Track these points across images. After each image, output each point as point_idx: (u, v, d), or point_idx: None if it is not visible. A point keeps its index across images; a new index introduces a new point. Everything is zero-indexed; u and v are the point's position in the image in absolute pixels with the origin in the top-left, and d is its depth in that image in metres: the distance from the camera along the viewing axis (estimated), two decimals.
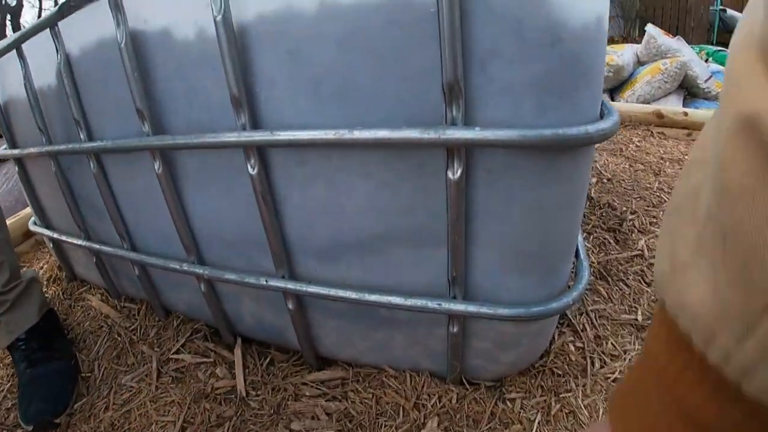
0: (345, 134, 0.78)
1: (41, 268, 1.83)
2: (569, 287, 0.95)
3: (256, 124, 0.90)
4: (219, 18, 0.81)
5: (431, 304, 0.91)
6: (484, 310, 0.89)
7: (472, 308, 0.90)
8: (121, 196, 1.25)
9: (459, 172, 0.77)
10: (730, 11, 9.74)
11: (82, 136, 1.19)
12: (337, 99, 0.82)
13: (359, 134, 0.78)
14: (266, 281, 1.03)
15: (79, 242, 1.46)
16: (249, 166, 0.91)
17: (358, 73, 0.79)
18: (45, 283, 1.74)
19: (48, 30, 1.10)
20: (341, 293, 0.97)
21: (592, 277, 1.38)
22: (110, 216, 1.28)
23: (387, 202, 0.87)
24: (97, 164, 1.20)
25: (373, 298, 0.94)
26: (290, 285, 1.01)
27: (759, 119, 0.24)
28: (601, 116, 0.80)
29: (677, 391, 0.35)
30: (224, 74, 0.85)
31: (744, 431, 0.33)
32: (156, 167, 1.05)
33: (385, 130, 0.76)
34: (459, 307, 0.90)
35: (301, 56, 0.81)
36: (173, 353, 1.31)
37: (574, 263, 1.06)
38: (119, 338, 1.40)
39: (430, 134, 0.74)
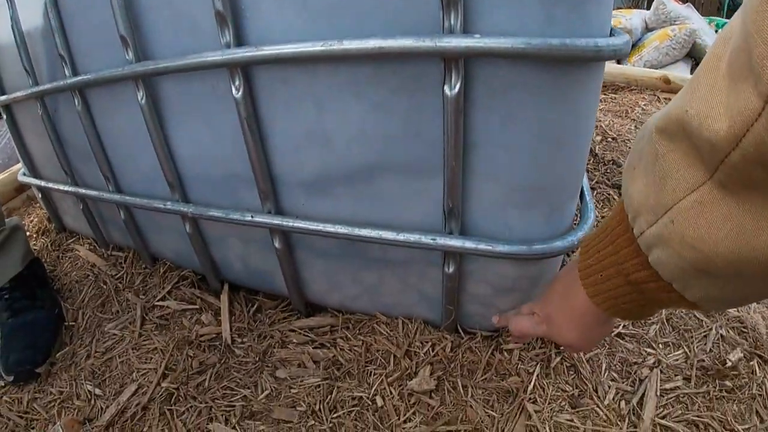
0: (333, 45, 0.72)
1: (31, 221, 1.79)
2: (574, 227, 0.89)
3: (241, 42, 0.84)
4: None
5: (425, 239, 0.85)
6: (482, 246, 0.83)
7: (469, 244, 0.84)
8: (105, 135, 1.20)
9: (457, 86, 0.71)
10: None
11: (66, 73, 1.13)
12: (328, 11, 0.76)
13: (348, 44, 0.71)
14: (252, 217, 0.98)
15: (66, 188, 1.41)
16: (233, 88, 0.86)
17: None
18: (34, 235, 1.70)
19: None
20: (330, 228, 0.91)
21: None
22: (95, 156, 1.22)
23: (379, 125, 0.81)
24: (81, 101, 1.15)
25: (364, 232, 0.89)
26: (276, 220, 0.96)
27: None
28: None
29: (621, 256, 0.55)
30: None
31: (652, 287, 0.53)
32: (139, 97, 1.00)
33: (376, 39, 0.70)
34: (455, 242, 0.84)
35: None
36: (158, 300, 1.27)
37: (578, 204, 1.00)
38: (105, 286, 1.36)
39: (425, 42, 0.67)
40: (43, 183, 1.53)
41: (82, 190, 1.36)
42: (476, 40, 0.66)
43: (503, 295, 0.95)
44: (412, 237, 0.86)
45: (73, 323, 1.28)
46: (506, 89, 0.72)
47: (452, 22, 0.68)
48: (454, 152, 0.76)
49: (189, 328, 1.17)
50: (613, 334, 1.03)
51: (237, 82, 0.85)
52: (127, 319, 1.24)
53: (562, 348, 1.00)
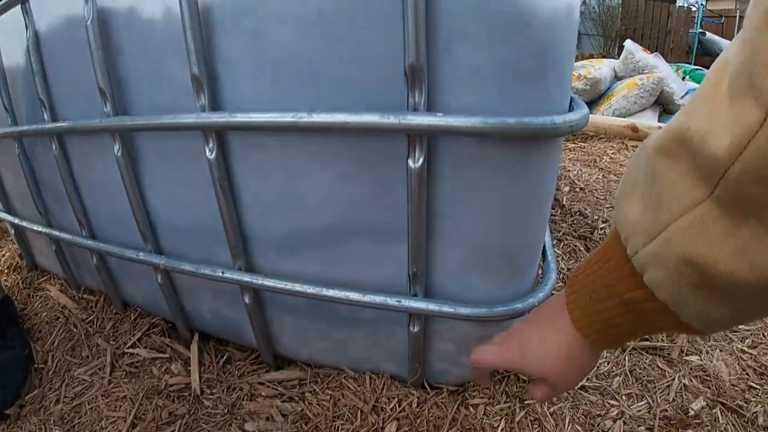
0: (303, 117, 0.75)
1: (3, 255, 1.78)
2: (537, 287, 0.91)
3: (216, 107, 0.86)
4: None
5: (390, 300, 0.87)
6: (445, 309, 0.85)
7: (432, 306, 0.86)
8: (81, 181, 1.21)
9: (420, 160, 0.74)
10: (709, 35, 9.90)
11: (45, 117, 1.15)
12: (299, 83, 0.78)
13: (317, 117, 0.74)
14: (222, 273, 0.99)
15: (40, 228, 1.41)
16: (207, 150, 0.88)
17: (321, 55, 0.75)
18: (5, 271, 1.69)
19: (19, 6, 1.06)
20: (298, 287, 0.93)
21: (561, 283, 1.36)
22: (70, 201, 1.23)
23: (346, 192, 0.84)
24: (59, 146, 1.16)
25: (331, 293, 0.90)
26: (246, 277, 0.97)
27: None
28: (571, 109, 0.78)
29: (614, 278, 0.54)
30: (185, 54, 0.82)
31: (647, 308, 0.51)
32: (115, 150, 1.01)
33: (343, 114, 0.73)
34: (419, 304, 0.86)
35: (265, 37, 0.78)
36: (128, 347, 1.27)
37: (541, 265, 1.03)
38: (75, 330, 1.36)
39: (390, 119, 0.70)
40: (17, 220, 1.52)
41: (56, 233, 1.36)
42: (438, 118, 0.69)
43: (468, 353, 0.97)
44: (378, 298, 0.88)
45: (43, 365, 1.27)
46: (468, 163, 0.75)
47: (417, 99, 0.71)
48: (418, 221, 0.79)
49: (159, 377, 1.17)
50: (576, 388, 1.05)
51: (211, 145, 0.87)
52: (97, 365, 1.24)
53: (526, 402, 1.01)
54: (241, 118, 0.80)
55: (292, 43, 0.77)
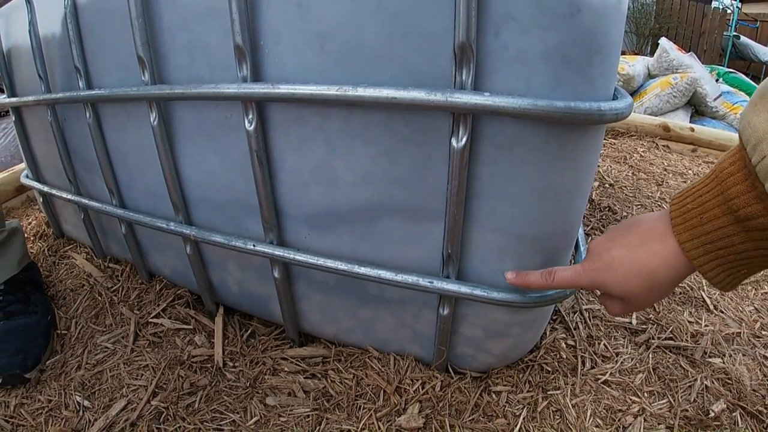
0: (348, 91, 0.74)
1: (30, 223, 1.80)
2: None
3: (258, 78, 0.86)
4: None
5: (423, 281, 0.87)
6: (477, 292, 0.85)
7: (465, 289, 0.86)
8: (114, 150, 1.21)
9: (464, 140, 0.73)
10: (743, 38, 9.76)
11: (80, 85, 1.15)
12: (344, 57, 0.78)
13: (363, 92, 0.74)
14: (254, 246, 1.00)
15: (69, 197, 1.42)
16: (246, 121, 0.88)
17: (368, 30, 0.75)
18: (32, 238, 1.71)
19: None
20: (330, 264, 0.93)
21: None
22: (101, 170, 1.24)
23: (385, 170, 0.84)
24: (93, 114, 1.17)
25: (363, 270, 0.90)
26: (278, 251, 0.97)
27: None
28: (615, 98, 0.77)
29: (731, 193, 0.55)
30: (230, 24, 0.81)
31: (763, 223, 0.53)
32: (152, 119, 1.02)
33: (389, 89, 0.72)
34: (452, 286, 0.86)
35: (310, 9, 0.78)
36: (153, 317, 1.28)
37: (573, 254, 1.02)
38: (100, 298, 1.37)
39: (437, 96, 0.70)
40: (45, 188, 1.54)
41: (85, 201, 1.37)
42: (485, 98, 0.68)
43: (495, 339, 0.97)
44: (410, 278, 0.88)
45: (66, 332, 1.28)
46: (511, 145, 0.74)
47: (464, 78, 0.70)
48: (456, 202, 0.79)
49: (182, 348, 1.18)
50: (599, 381, 1.04)
51: (250, 116, 0.87)
52: (120, 333, 1.25)
53: (549, 392, 1.01)
54: (284, 89, 0.80)
55: (337, 16, 0.76)
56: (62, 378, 1.15)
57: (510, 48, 0.69)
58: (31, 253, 1.61)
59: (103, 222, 1.45)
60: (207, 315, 1.28)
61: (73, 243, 1.67)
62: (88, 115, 1.17)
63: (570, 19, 0.66)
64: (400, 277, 0.88)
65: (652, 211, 1.72)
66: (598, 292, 1.21)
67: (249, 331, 1.22)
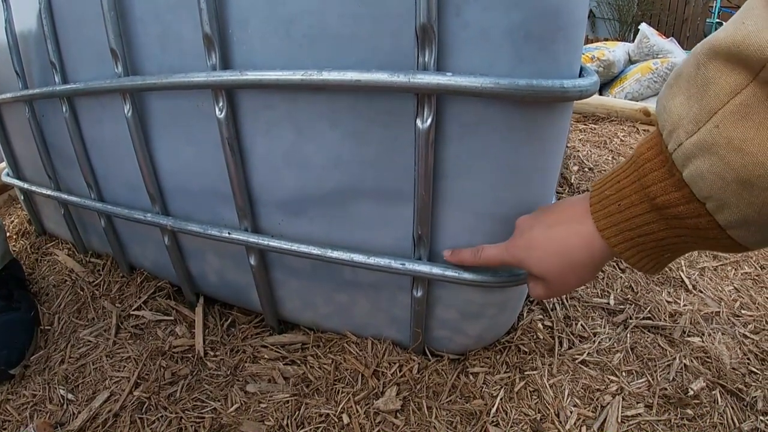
0: (313, 75, 0.75)
1: (12, 222, 1.80)
2: None
3: (227, 66, 0.86)
4: None
5: (395, 263, 0.88)
6: (449, 273, 0.86)
7: (436, 270, 0.86)
8: (91, 144, 1.22)
9: (429, 120, 0.74)
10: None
11: (56, 80, 1.15)
12: (310, 41, 0.78)
13: (327, 75, 0.74)
14: (229, 233, 1.00)
15: (49, 192, 1.42)
16: (217, 109, 0.88)
17: (332, 13, 0.75)
18: (14, 237, 1.71)
19: None
20: (303, 248, 0.93)
21: None
22: (79, 164, 1.24)
23: (354, 152, 0.84)
24: (69, 108, 1.17)
25: (336, 254, 0.91)
26: (252, 238, 0.98)
27: None
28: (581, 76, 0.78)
29: (648, 180, 0.54)
30: (198, 14, 0.82)
31: (681, 212, 0.52)
32: (126, 110, 1.02)
33: (353, 72, 0.73)
34: (423, 268, 0.87)
35: None
36: (134, 309, 1.28)
37: None
38: (82, 293, 1.37)
39: (399, 77, 0.70)
40: (26, 185, 1.54)
41: (65, 196, 1.37)
42: (448, 78, 0.69)
43: (470, 321, 0.98)
44: (382, 261, 0.89)
45: (49, 327, 1.28)
46: (476, 124, 0.75)
47: (426, 58, 0.71)
48: (424, 183, 0.79)
49: (163, 339, 1.18)
50: (577, 362, 1.06)
51: (221, 104, 0.88)
52: (102, 326, 1.25)
53: (526, 373, 1.02)
54: (251, 76, 0.80)
55: (301, 0, 0.77)
56: (46, 373, 1.15)
57: (472, 27, 0.69)
58: (14, 251, 1.61)
59: (83, 217, 1.45)
60: (187, 306, 1.28)
61: (55, 240, 1.67)
62: (64, 110, 1.17)
63: None
64: (372, 260, 0.89)
65: None
66: None
67: (229, 321, 1.22)
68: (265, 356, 1.11)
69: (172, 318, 1.25)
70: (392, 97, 0.77)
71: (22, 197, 1.67)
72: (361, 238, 0.92)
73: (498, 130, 0.75)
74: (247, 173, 0.95)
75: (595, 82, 0.75)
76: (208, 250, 1.15)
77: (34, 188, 1.50)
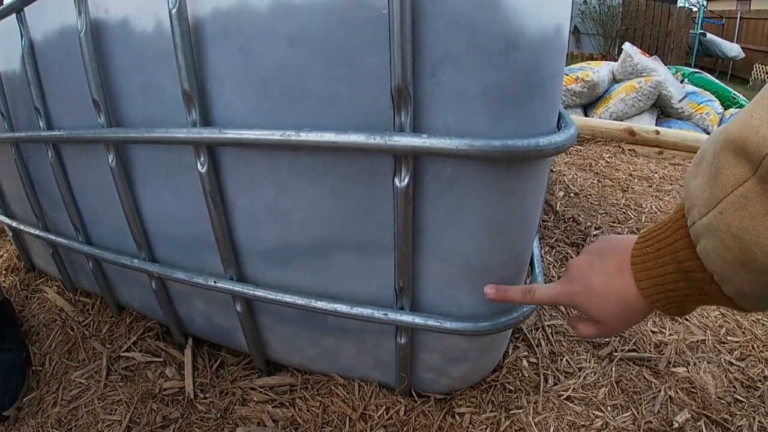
0: (292, 135, 0.76)
1: (1, 256, 1.80)
2: None
3: (207, 121, 0.87)
4: (174, 10, 0.79)
5: (378, 313, 0.89)
6: (431, 322, 0.87)
7: (418, 320, 0.88)
8: (77, 188, 1.22)
9: (406, 179, 0.75)
10: (710, 35, 9.92)
11: (41, 125, 1.16)
12: (288, 99, 0.80)
13: (305, 136, 0.75)
14: (214, 282, 1.01)
15: (37, 232, 1.43)
16: (198, 164, 0.89)
17: (309, 73, 0.76)
18: (4, 272, 1.71)
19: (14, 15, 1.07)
20: (288, 299, 0.94)
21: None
22: (66, 207, 1.25)
23: (334, 208, 0.85)
24: (54, 154, 1.18)
25: (320, 305, 0.92)
26: (238, 287, 0.99)
27: None
28: (559, 128, 0.79)
29: (679, 245, 0.59)
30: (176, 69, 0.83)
31: (699, 277, 0.57)
32: (110, 160, 1.03)
33: (331, 133, 0.74)
34: (406, 318, 0.88)
35: (253, 54, 0.79)
36: (124, 351, 1.29)
37: (529, 274, 1.04)
38: (72, 333, 1.37)
39: (375, 139, 0.72)
40: (14, 224, 1.54)
41: (52, 237, 1.37)
42: (423, 140, 0.70)
43: (454, 364, 0.99)
44: (366, 311, 0.90)
45: (40, 368, 1.29)
46: (453, 182, 0.76)
47: (402, 119, 0.72)
48: (404, 237, 0.80)
49: (153, 381, 1.19)
50: (562, 398, 1.06)
51: (202, 158, 0.89)
52: (93, 368, 1.25)
53: (512, 412, 1.03)
54: (230, 134, 0.82)
55: (278, 59, 0.78)
56: (39, 415, 1.16)
57: (447, 87, 0.71)
58: (4, 287, 1.61)
59: (71, 256, 1.45)
60: (177, 347, 1.29)
61: (44, 276, 1.67)
62: (50, 155, 1.18)
63: (506, 57, 0.68)
64: (356, 311, 0.90)
65: (617, 218, 1.75)
66: (562, 308, 1.23)
67: (218, 362, 1.23)
68: (254, 398, 1.11)
69: (161, 359, 1.25)
70: (370, 156, 0.78)
71: (11, 234, 1.67)
72: (344, 287, 0.93)
73: (475, 187, 0.76)
74: (230, 224, 0.96)
75: (571, 136, 0.76)
76: (195, 295, 1.15)
77: (22, 227, 1.50)
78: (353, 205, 0.84)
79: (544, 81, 0.73)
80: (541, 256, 1.51)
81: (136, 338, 1.32)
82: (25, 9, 1.06)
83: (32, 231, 1.45)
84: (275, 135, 0.78)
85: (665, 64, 3.94)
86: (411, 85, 0.70)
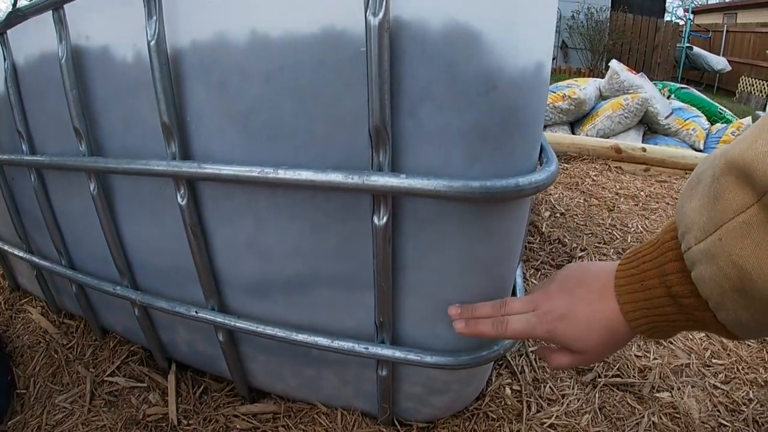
0: (270, 173, 0.76)
1: None
2: None
3: (186, 154, 0.87)
4: (152, 43, 0.79)
5: (358, 347, 0.89)
6: (411, 356, 0.87)
7: (399, 354, 0.87)
8: (60, 213, 1.22)
9: (385, 218, 0.75)
10: (696, 49, 10.01)
11: (24, 148, 1.15)
12: (266, 135, 0.80)
13: (283, 174, 0.75)
14: (196, 312, 1.01)
15: (21, 254, 1.42)
16: (179, 196, 0.89)
17: (286, 110, 0.76)
18: None
19: None
20: (269, 330, 0.94)
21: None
22: (49, 232, 1.24)
23: (313, 244, 0.85)
24: (37, 178, 1.17)
25: (300, 337, 0.92)
26: (219, 318, 0.98)
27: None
28: (541, 161, 0.79)
29: (668, 268, 0.58)
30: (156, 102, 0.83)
31: (691, 303, 0.56)
32: (91, 188, 1.03)
33: (309, 172, 0.74)
34: (386, 351, 0.88)
35: (232, 88, 0.79)
36: (108, 375, 1.28)
37: None
38: (56, 355, 1.36)
39: (353, 179, 0.72)
40: None
41: (36, 260, 1.37)
42: (401, 180, 0.70)
43: (436, 395, 0.99)
44: (346, 345, 0.89)
45: (24, 391, 1.28)
46: (433, 220, 0.76)
47: (381, 159, 0.72)
48: (384, 274, 0.80)
49: (137, 407, 1.18)
50: (545, 425, 1.06)
51: (182, 191, 0.88)
52: (77, 392, 1.25)
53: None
54: (209, 169, 0.81)
55: (256, 96, 0.78)
56: None
57: (426, 126, 0.71)
58: None
59: (55, 279, 1.45)
60: (160, 372, 1.28)
61: (28, 296, 1.66)
62: (32, 179, 1.17)
63: (486, 96, 0.68)
64: (336, 344, 0.90)
65: (603, 239, 1.75)
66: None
67: (202, 388, 1.22)
68: (238, 426, 1.11)
69: (145, 384, 1.24)
70: (349, 194, 0.78)
71: None
72: (325, 320, 0.93)
73: (454, 225, 0.76)
74: (211, 256, 0.96)
75: (551, 174, 0.76)
76: (177, 323, 1.15)
77: (6, 247, 1.49)
78: (332, 242, 0.84)
79: (525, 119, 0.73)
80: (526, 279, 1.51)
81: (120, 362, 1.31)
82: (8, 32, 1.06)
83: (16, 252, 1.44)
84: (253, 172, 0.78)
85: (652, 78, 3.98)
86: (389, 125, 0.70)
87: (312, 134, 0.77)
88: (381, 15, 0.64)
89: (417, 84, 0.69)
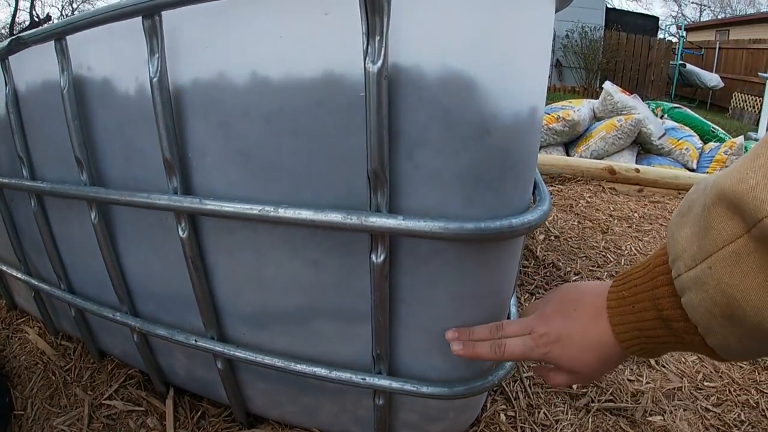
0: (270, 212, 0.78)
1: None
2: (498, 365, 0.95)
3: (188, 189, 0.89)
4: (155, 80, 0.81)
5: (356, 377, 0.90)
6: (407, 387, 0.88)
7: (395, 385, 0.89)
8: (60, 238, 1.23)
9: (382, 256, 0.77)
10: (689, 66, 10.09)
11: (24, 173, 1.17)
12: (266, 174, 0.81)
13: (283, 213, 0.77)
14: (195, 341, 1.02)
15: (19, 275, 1.43)
16: (180, 229, 0.90)
17: (286, 151, 0.78)
18: None
19: None
20: (268, 360, 0.95)
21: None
22: (48, 256, 1.25)
23: (312, 278, 0.87)
24: (37, 203, 1.18)
25: (299, 368, 0.93)
26: (218, 347, 1.00)
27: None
28: (535, 199, 0.81)
29: (660, 292, 0.60)
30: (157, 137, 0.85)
31: (681, 327, 0.57)
32: (92, 217, 1.04)
33: (308, 211, 0.76)
34: (383, 382, 0.90)
35: (232, 128, 0.81)
36: (106, 398, 1.29)
37: None
38: (54, 377, 1.37)
39: (352, 220, 0.73)
40: None
41: (35, 282, 1.38)
42: (399, 221, 0.72)
43: (432, 422, 1.00)
44: (344, 375, 0.91)
45: (22, 412, 1.28)
46: (429, 257, 0.78)
47: (379, 200, 0.74)
48: (381, 309, 0.82)
49: (135, 431, 1.19)
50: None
51: (183, 224, 0.90)
52: (75, 415, 1.25)
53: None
54: (210, 205, 0.83)
55: (257, 136, 0.80)
56: None
57: (423, 169, 0.73)
58: None
59: (53, 301, 1.45)
60: (158, 396, 1.29)
61: (25, 316, 1.67)
62: (33, 204, 1.18)
63: (480, 141, 0.70)
64: (334, 374, 0.91)
65: (596, 262, 1.77)
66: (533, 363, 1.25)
67: (199, 413, 1.23)
68: None
69: (143, 408, 1.25)
70: (348, 232, 0.80)
71: None
72: (323, 351, 0.95)
73: (450, 262, 0.78)
74: (211, 287, 0.97)
75: (544, 213, 0.78)
76: (176, 349, 1.16)
77: (4, 267, 1.51)
78: (332, 276, 0.86)
79: (518, 162, 0.75)
80: (521, 304, 1.53)
81: (118, 386, 1.32)
82: (10, 58, 1.07)
83: (14, 273, 1.45)
84: (254, 209, 0.79)
85: (646, 96, 4.03)
86: (387, 167, 0.72)
87: (311, 174, 0.78)
88: (380, 63, 0.66)
89: (414, 128, 0.71)
